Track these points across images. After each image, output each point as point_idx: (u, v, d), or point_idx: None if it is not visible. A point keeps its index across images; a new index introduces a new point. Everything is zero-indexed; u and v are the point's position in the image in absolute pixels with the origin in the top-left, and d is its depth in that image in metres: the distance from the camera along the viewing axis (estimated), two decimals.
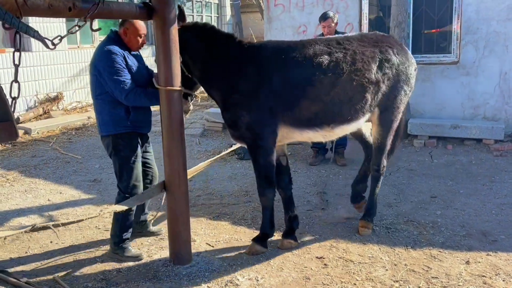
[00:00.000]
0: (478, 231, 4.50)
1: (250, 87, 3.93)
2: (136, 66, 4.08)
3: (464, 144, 7.33)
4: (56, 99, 10.02)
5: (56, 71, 10.39)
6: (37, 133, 8.54)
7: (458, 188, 5.64)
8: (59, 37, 2.64)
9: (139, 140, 4.18)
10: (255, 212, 5.17)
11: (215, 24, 17.70)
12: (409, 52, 4.41)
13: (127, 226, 4.19)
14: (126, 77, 3.89)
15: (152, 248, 4.38)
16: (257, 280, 3.77)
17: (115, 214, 4.13)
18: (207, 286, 3.71)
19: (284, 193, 4.43)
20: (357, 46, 4.04)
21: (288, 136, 4.14)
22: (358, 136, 4.76)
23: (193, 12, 16.40)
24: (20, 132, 8.30)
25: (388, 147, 4.42)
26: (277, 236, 4.47)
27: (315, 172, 6.43)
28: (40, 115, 9.61)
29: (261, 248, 4.22)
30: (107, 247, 4.33)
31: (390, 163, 4.62)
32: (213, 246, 4.40)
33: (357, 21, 8.11)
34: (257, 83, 3.92)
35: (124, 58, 3.96)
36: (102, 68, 3.89)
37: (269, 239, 4.32)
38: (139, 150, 4.18)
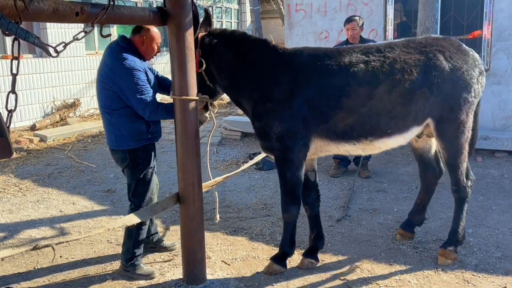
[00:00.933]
0: None
1: (283, 95, 3.69)
2: (153, 77, 3.91)
3: (495, 156, 6.97)
4: (73, 105, 9.91)
5: (73, 77, 10.29)
6: (53, 140, 8.41)
7: (490, 204, 5.30)
8: (63, 44, 2.43)
9: (154, 150, 3.99)
10: (274, 227, 4.92)
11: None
12: (472, 53, 3.88)
13: (139, 241, 3.98)
14: (149, 95, 3.69)
15: (165, 265, 4.16)
16: None
17: (127, 229, 3.91)
18: None
19: (311, 211, 4.17)
20: (400, 54, 3.71)
21: (323, 149, 3.89)
22: (418, 153, 4.36)
23: (212, 18, 16.24)
24: (36, 139, 8.20)
25: (462, 164, 3.93)
26: (296, 254, 4.21)
27: (337, 185, 6.15)
28: (57, 122, 9.50)
29: (280, 268, 3.98)
30: (119, 262, 4.13)
31: (473, 178, 4.13)
32: (229, 264, 4.16)
33: (381, 27, 7.82)
34: (291, 91, 3.68)
35: (146, 73, 3.75)
36: (125, 86, 3.64)
37: (289, 258, 4.06)
38: (154, 161, 3.99)
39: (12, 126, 8.98)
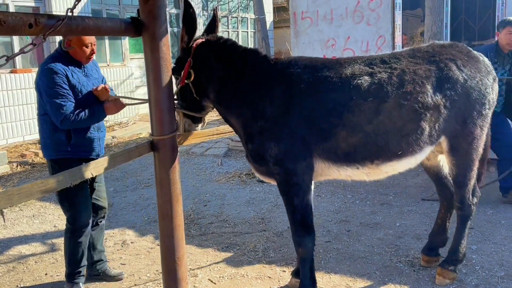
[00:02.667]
0: None
1: (278, 111, 3.26)
2: (84, 82, 3.71)
3: None
4: None
5: None
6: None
7: (499, 218, 5.00)
8: (5, 57, 2.32)
9: None
10: (268, 242, 4.73)
11: (252, 40, 17.56)
12: (483, 59, 3.56)
13: (76, 259, 3.82)
14: (64, 100, 3.51)
15: (149, 284, 4.02)
16: None
17: (64, 245, 3.86)
18: None
19: None
20: (407, 64, 3.31)
21: (324, 173, 3.43)
22: (433, 172, 3.98)
23: (228, 28, 16.22)
24: (41, 153, 8.19)
25: (471, 181, 3.63)
26: (287, 272, 4.01)
27: (340, 197, 5.92)
28: None
29: None
30: (103, 280, 4.03)
31: (479, 195, 3.87)
32: (215, 283, 3.99)
33: (389, 33, 7.58)
34: (286, 106, 3.25)
35: (67, 76, 3.58)
36: (42, 88, 3.56)
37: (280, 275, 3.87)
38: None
39: (20, 139, 9.09)
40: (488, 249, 4.31)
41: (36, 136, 9.33)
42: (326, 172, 3.42)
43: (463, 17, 7.36)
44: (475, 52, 3.57)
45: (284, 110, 3.25)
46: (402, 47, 7.63)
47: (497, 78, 3.62)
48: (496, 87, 3.57)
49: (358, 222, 5.13)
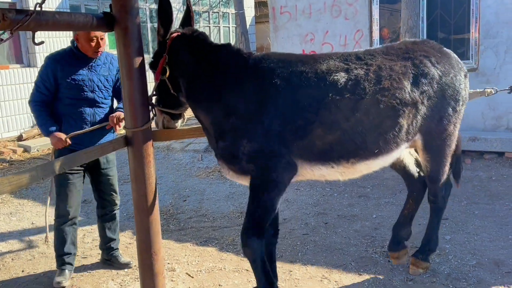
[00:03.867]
0: (491, 260, 3.97)
1: (251, 107, 3.09)
2: (85, 77, 3.84)
3: (484, 158, 6.75)
4: None
5: None
6: (37, 150, 8.34)
7: (473, 209, 5.09)
8: None
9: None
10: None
11: (234, 35, 17.53)
12: (453, 55, 3.52)
13: (58, 246, 4.01)
14: (37, 88, 3.83)
15: (126, 279, 4.03)
16: None
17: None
18: None
19: (265, 247, 3.36)
20: (383, 61, 3.23)
21: (298, 173, 3.19)
22: (399, 167, 3.90)
23: (209, 23, 16.18)
24: (20, 150, 8.13)
25: (443, 176, 3.62)
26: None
27: (319, 191, 5.97)
28: None
29: None
30: (83, 274, 4.04)
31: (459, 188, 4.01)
32: (192, 277, 4.01)
33: (367, 28, 7.64)
34: (259, 102, 3.08)
35: (54, 71, 3.77)
36: None
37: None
38: (77, 173, 3.98)
39: None
40: (461, 239, 4.39)
41: (14, 133, 9.24)
42: (300, 172, 3.19)
43: (439, 12, 7.45)
44: (445, 48, 3.55)
45: (257, 106, 3.09)
46: (384, 41, 7.71)
47: (468, 75, 3.57)
48: (467, 83, 3.55)
49: (335, 215, 5.19)
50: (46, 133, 3.80)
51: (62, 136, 3.70)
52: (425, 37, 7.17)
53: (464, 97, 3.48)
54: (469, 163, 6.60)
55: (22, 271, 4.24)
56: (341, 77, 3.08)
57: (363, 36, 7.55)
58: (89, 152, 3.21)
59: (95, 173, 4.10)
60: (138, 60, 3.38)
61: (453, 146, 3.58)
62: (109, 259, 4.25)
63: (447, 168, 3.63)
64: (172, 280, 3.96)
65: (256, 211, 3.10)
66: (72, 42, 3.88)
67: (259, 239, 3.08)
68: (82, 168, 3.99)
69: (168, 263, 4.23)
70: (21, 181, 2.68)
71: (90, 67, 3.87)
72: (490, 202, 5.26)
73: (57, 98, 3.84)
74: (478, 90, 4.05)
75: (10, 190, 2.63)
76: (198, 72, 3.28)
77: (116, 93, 4.03)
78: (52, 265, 4.30)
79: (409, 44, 3.44)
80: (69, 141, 3.73)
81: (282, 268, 4.02)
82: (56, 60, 3.81)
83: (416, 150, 3.72)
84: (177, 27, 3.54)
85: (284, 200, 5.64)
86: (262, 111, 3.06)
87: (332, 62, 3.16)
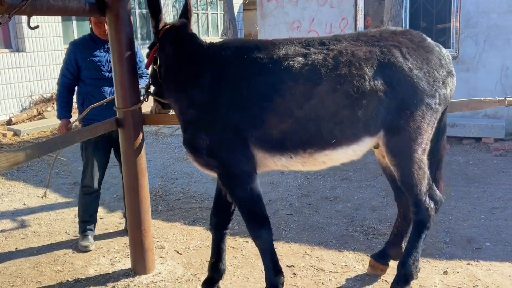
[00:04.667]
0: (463, 237, 4.21)
1: (206, 98, 3.07)
2: (95, 58, 4.24)
3: (463, 143, 7.01)
4: (50, 100, 9.91)
5: (51, 71, 10.29)
6: (27, 134, 8.43)
7: (449, 191, 5.33)
8: None
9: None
10: (234, 216, 4.91)
11: (222, 22, 17.59)
12: (439, 50, 3.16)
13: (80, 212, 4.43)
14: (62, 72, 4.31)
15: (117, 255, 4.19)
16: None
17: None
18: None
19: (215, 233, 3.54)
20: (347, 46, 3.02)
21: (261, 164, 3.15)
22: (388, 172, 3.54)
23: (197, 10, 16.23)
24: (10, 133, 8.22)
25: (421, 181, 3.15)
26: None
27: (303, 173, 6.17)
28: (34, 116, 9.52)
29: None
30: (71, 252, 4.22)
31: (441, 200, 3.37)
32: (181, 254, 4.19)
33: (352, 16, 7.81)
34: (214, 92, 3.06)
35: (75, 54, 4.23)
36: None
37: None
38: (98, 146, 4.30)
39: None
40: (436, 219, 4.58)
41: (4, 117, 9.31)
42: (264, 163, 3.15)
43: (422, 1, 7.64)
44: (430, 42, 3.20)
45: (213, 96, 3.07)
46: (365, 29, 7.89)
47: (453, 73, 3.22)
48: (451, 82, 3.18)
49: (319, 196, 5.40)
50: (58, 117, 4.31)
51: (64, 127, 4.25)
52: (407, 26, 7.36)
53: (443, 96, 3.11)
54: (449, 148, 6.84)
55: (16, 248, 4.38)
56: (297, 62, 2.96)
57: (348, 24, 7.73)
58: (82, 132, 3.37)
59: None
60: (128, 45, 3.55)
61: (425, 147, 3.14)
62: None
63: (423, 172, 3.16)
64: (161, 257, 4.14)
65: (242, 207, 3.18)
66: (91, 28, 4.29)
67: (264, 227, 3.15)
68: (108, 142, 4.30)
69: (158, 241, 4.40)
70: (17, 158, 2.84)
71: (106, 49, 4.22)
72: (466, 185, 5.50)
73: (80, 79, 4.28)
74: (497, 98, 3.63)
75: (7, 167, 2.77)
76: (171, 62, 3.30)
77: None
78: (46, 242, 4.46)
79: (386, 33, 3.17)
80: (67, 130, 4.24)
81: None
82: (76, 45, 4.29)
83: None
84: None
85: (270, 183, 5.84)
86: (218, 102, 3.04)
87: (292, 48, 3.05)
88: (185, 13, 3.46)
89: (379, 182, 5.72)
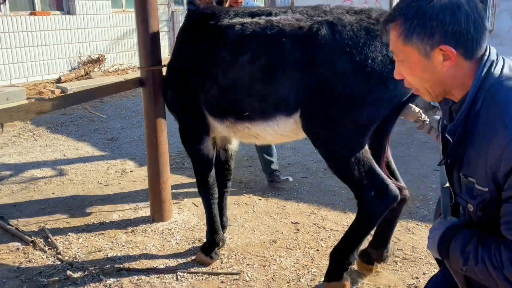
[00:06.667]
0: None
1: (171, 58, 3.41)
2: None
3: None
4: (97, 61, 10.46)
5: (99, 34, 10.82)
6: (73, 92, 8.98)
7: None
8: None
9: None
10: (252, 176, 5.26)
11: None
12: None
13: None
14: None
15: (140, 204, 4.59)
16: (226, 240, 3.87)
17: None
18: (176, 243, 3.87)
19: (218, 193, 3.68)
20: (283, 19, 2.88)
21: (212, 127, 3.30)
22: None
23: None
24: (58, 91, 8.80)
25: (354, 170, 2.82)
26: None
27: None
28: (82, 76, 10.09)
29: (206, 259, 3.54)
30: (104, 199, 4.67)
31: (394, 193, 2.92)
32: (197, 206, 4.54)
33: None
34: (176, 55, 3.39)
35: None
36: None
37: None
38: None
39: (39, 78, 9.68)
40: None
41: (53, 75, 9.92)
42: (213, 126, 3.29)
43: None
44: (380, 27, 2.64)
45: (175, 57, 3.37)
46: None
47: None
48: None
49: None
50: None
51: None
52: None
53: (384, 90, 2.69)
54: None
55: (53, 193, 4.87)
56: (232, 31, 3.00)
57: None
58: (104, 88, 3.72)
59: None
60: (152, 10, 3.84)
61: (348, 143, 2.80)
62: (272, 179, 4.93)
63: (357, 161, 2.80)
64: (179, 207, 4.50)
65: (193, 163, 3.50)
66: None
67: (203, 186, 3.49)
68: None
69: (178, 195, 4.77)
70: (45, 107, 3.22)
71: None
72: None
73: None
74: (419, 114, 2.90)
75: (39, 112, 3.14)
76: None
77: None
78: (79, 190, 4.93)
79: (339, 10, 2.83)
80: None
81: (276, 204, 4.53)
82: None
83: None
84: None
85: (292, 148, 6.09)
86: (178, 63, 3.33)
87: (240, 17, 3.07)
88: None
89: (398, 151, 5.85)
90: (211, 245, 3.57)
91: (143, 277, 3.38)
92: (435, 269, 3.38)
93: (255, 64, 2.89)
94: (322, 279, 3.24)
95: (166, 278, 3.37)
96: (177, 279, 3.35)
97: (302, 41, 2.77)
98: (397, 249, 3.69)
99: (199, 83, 3.16)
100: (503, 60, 1.56)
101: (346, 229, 3.98)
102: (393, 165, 3.31)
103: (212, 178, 3.52)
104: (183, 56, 3.30)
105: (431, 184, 4.85)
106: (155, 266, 3.52)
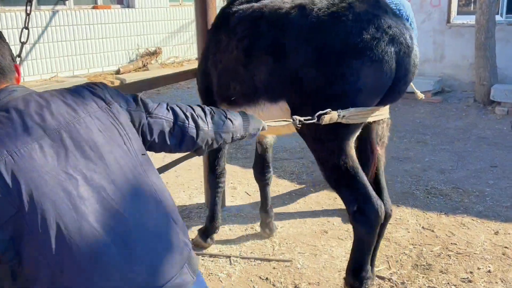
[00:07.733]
0: None
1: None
2: None
3: None
4: (155, 53, 10.75)
5: (157, 27, 11.11)
6: (133, 81, 9.30)
7: None
8: None
9: None
10: (303, 168, 5.30)
11: None
12: (384, 20, 2.34)
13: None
14: None
15: (195, 192, 4.73)
16: (276, 229, 3.94)
17: None
18: (229, 229, 3.97)
19: (259, 183, 3.94)
20: (270, 3, 2.75)
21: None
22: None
23: None
24: (117, 82, 9.12)
25: (340, 182, 2.61)
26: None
27: None
28: (139, 68, 10.42)
29: (200, 241, 3.68)
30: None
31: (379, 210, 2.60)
32: (250, 195, 4.63)
33: None
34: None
35: None
36: None
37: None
38: None
39: (100, 70, 10.06)
40: (503, 184, 4.63)
41: (113, 67, 10.29)
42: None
43: None
44: (365, 11, 2.38)
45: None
46: None
47: (409, 50, 2.40)
48: (407, 61, 2.41)
49: (390, 156, 5.51)
50: None
51: None
52: None
53: (361, 85, 2.40)
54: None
55: None
56: (232, 18, 2.97)
57: None
58: (166, 77, 3.86)
59: None
60: (210, 2, 3.95)
61: (338, 142, 2.57)
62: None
63: (343, 172, 2.55)
64: (232, 196, 4.61)
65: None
66: None
67: (211, 173, 3.66)
68: None
69: (232, 183, 4.88)
70: None
71: None
72: None
73: None
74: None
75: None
76: None
77: None
78: None
79: None
80: None
81: (328, 196, 4.56)
82: None
83: None
84: None
85: None
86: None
87: (244, 5, 3.00)
88: None
89: (455, 147, 5.74)
90: (207, 230, 3.70)
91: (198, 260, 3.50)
92: (490, 264, 3.34)
93: (238, 49, 2.83)
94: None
95: (220, 262, 3.48)
96: (230, 263, 3.46)
97: (278, 26, 2.61)
98: (451, 243, 3.64)
99: (207, 68, 3.23)
100: None
101: (398, 222, 4.03)
102: (383, 179, 3.04)
103: (221, 167, 3.66)
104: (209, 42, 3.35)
105: (487, 180, 4.73)
106: (209, 250, 3.64)
